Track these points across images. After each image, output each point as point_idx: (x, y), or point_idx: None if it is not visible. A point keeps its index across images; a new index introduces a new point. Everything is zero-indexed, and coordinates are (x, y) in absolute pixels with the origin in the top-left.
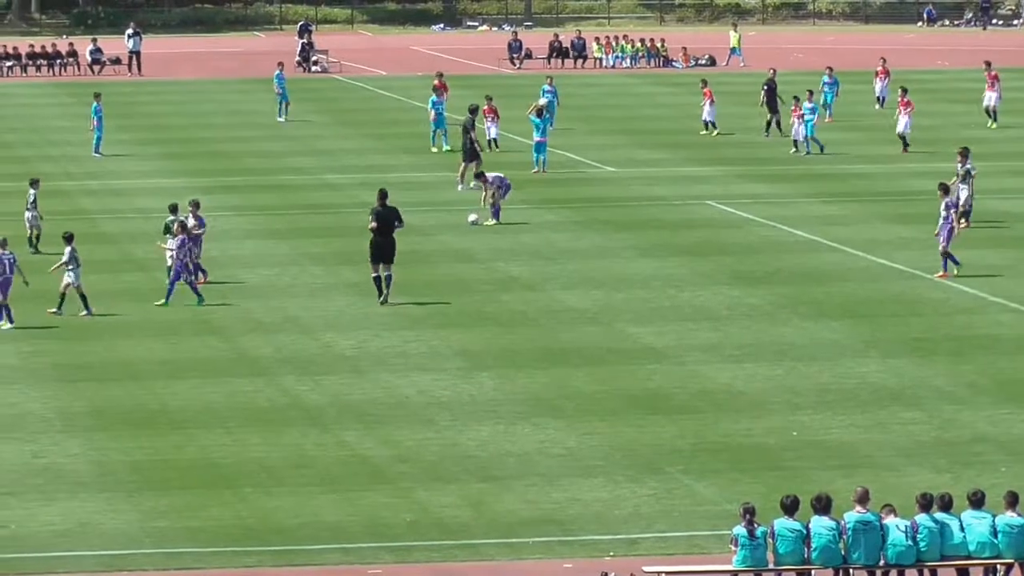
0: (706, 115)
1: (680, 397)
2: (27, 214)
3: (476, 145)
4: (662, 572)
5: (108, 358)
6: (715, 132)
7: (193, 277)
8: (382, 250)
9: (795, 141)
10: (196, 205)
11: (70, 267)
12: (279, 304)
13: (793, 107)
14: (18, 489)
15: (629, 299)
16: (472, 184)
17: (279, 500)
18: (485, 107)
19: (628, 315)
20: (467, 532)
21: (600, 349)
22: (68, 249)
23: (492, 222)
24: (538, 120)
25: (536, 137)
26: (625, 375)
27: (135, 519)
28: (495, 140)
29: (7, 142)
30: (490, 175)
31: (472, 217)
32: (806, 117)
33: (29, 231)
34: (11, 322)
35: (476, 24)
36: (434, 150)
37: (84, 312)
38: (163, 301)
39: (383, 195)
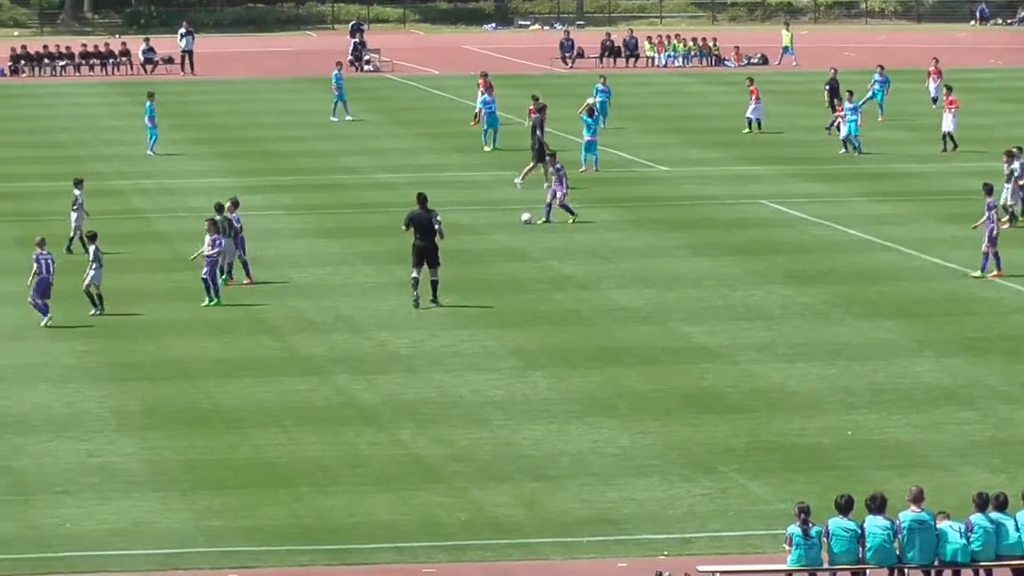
0: (750, 113)
1: (733, 396)
2: (72, 215)
3: (545, 145)
4: (716, 572)
5: (161, 357)
6: (758, 131)
7: (225, 277)
8: (423, 254)
9: (843, 141)
10: (235, 204)
11: (92, 266)
12: (331, 303)
13: (836, 108)
14: (73, 488)
15: (682, 298)
16: (519, 183)
17: (334, 499)
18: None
19: (681, 314)
20: (521, 531)
21: (653, 348)
22: (92, 248)
23: (542, 220)
24: (589, 119)
25: (586, 136)
26: (678, 374)
27: (189, 518)
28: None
29: (60, 142)
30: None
31: (525, 216)
32: (848, 117)
33: (72, 232)
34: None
35: (528, 23)
36: (487, 149)
37: (94, 311)
38: (210, 301)
39: (422, 199)
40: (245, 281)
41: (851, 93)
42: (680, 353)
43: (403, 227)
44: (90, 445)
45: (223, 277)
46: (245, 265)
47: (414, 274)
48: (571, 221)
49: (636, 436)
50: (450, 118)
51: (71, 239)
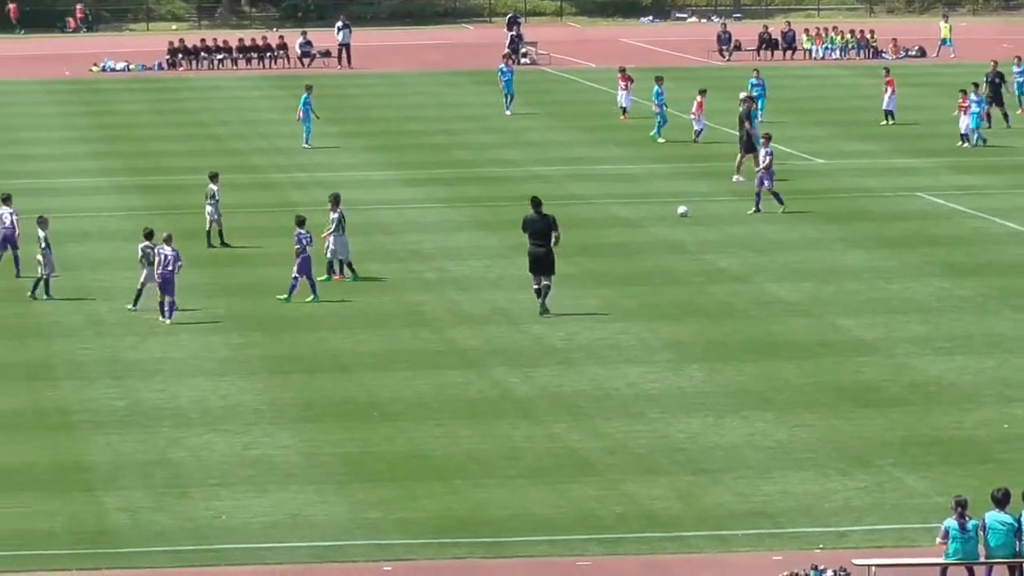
0: (887, 104)
1: (890, 390)
2: (208, 208)
3: (752, 136)
4: (872, 565)
5: (318, 350)
6: (891, 122)
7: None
8: (539, 261)
9: (963, 135)
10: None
11: (145, 263)
12: (488, 296)
13: (960, 99)
14: (230, 480)
15: (839, 291)
16: (738, 178)
17: (488, 492)
18: (698, 99)
19: (837, 307)
20: (677, 524)
21: (809, 341)
22: (142, 246)
23: (752, 211)
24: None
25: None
26: (835, 367)
27: (345, 510)
28: (701, 131)
29: (218, 135)
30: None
31: (682, 209)
32: (972, 110)
33: (208, 226)
34: (170, 316)
35: (685, 16)
36: (660, 140)
37: (131, 306)
38: (311, 297)
39: (536, 203)
40: (334, 278)
41: (976, 85)
42: (836, 346)
43: (522, 231)
44: (246, 438)
45: (324, 277)
46: (341, 265)
47: (535, 284)
48: (781, 211)
49: (792, 429)
50: (607, 111)
51: (215, 233)
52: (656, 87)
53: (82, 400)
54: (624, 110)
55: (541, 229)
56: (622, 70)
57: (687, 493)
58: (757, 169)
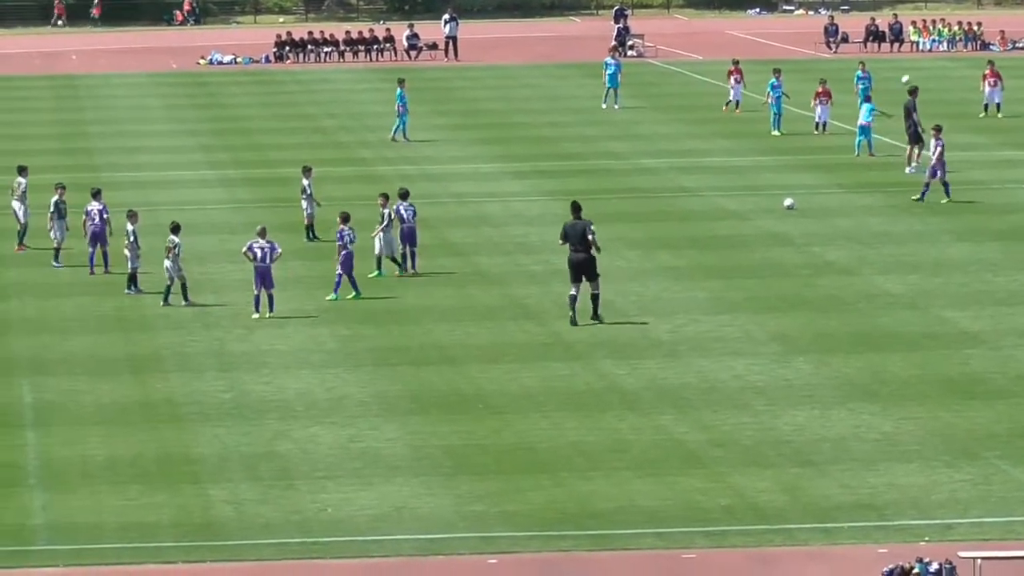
0: (989, 97)
1: (997, 382)
2: (303, 203)
3: (919, 128)
4: (978, 557)
5: (425, 342)
6: (995, 114)
7: (400, 271)
8: (580, 267)
9: None
10: (404, 195)
11: (169, 256)
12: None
13: None
14: (335, 473)
15: (945, 283)
16: (914, 166)
17: (595, 484)
18: (819, 89)
19: (944, 299)
20: (782, 517)
21: (916, 333)
22: (171, 239)
23: (916, 198)
24: (869, 105)
25: (863, 120)
26: (941, 360)
27: (451, 503)
28: (824, 124)
29: (324, 128)
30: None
31: (788, 201)
32: None
33: (306, 219)
34: (271, 308)
35: (792, 8)
36: (775, 134)
37: (163, 303)
38: (341, 294)
39: (575, 207)
40: (397, 274)
41: None
42: (943, 338)
43: (559, 241)
44: (352, 430)
45: (399, 271)
46: (412, 257)
47: (572, 291)
48: (944, 200)
49: (898, 422)
50: (713, 103)
51: (308, 227)
52: (773, 79)
53: (189, 392)
54: (736, 103)
55: (580, 234)
56: (735, 63)
57: (793, 485)
58: (931, 160)
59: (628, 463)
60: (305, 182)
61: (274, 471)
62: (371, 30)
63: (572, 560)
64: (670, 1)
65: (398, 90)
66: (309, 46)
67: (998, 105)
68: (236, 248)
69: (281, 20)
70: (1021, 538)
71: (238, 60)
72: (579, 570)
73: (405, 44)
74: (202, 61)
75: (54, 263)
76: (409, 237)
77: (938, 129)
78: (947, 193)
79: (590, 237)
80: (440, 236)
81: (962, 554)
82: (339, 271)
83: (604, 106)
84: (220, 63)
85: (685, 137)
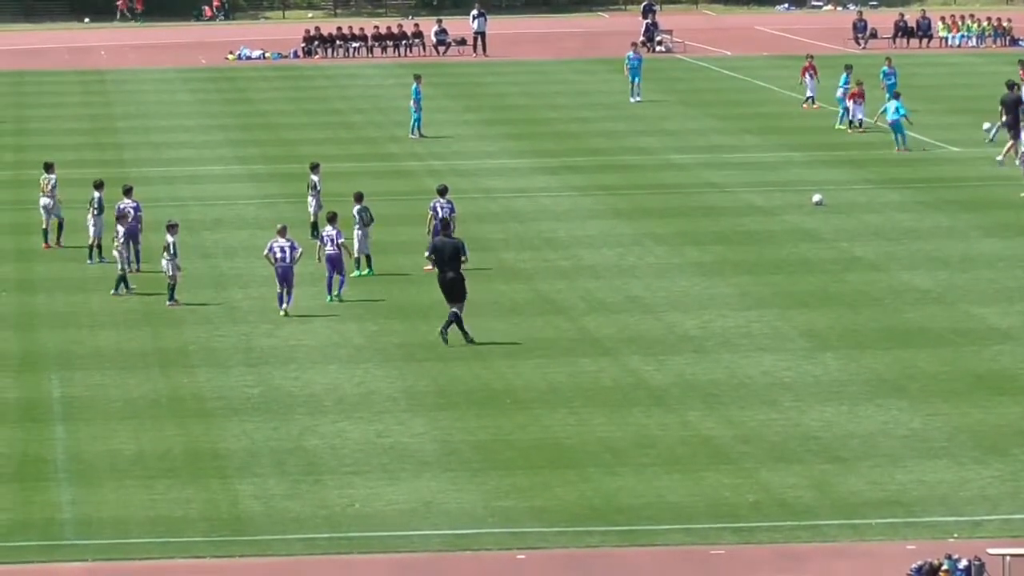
0: None
1: None
2: (310, 199)
3: (1020, 120)
4: (1007, 555)
5: (452, 338)
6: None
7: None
8: (450, 288)
9: None
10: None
11: (166, 257)
12: (622, 284)
13: None
14: (363, 468)
15: (974, 279)
16: (1002, 159)
17: (622, 480)
18: (854, 89)
19: (973, 295)
20: (810, 513)
21: (945, 329)
22: (169, 239)
23: None
24: (897, 102)
25: (893, 116)
26: (970, 356)
27: (479, 499)
28: (861, 121)
29: (353, 123)
30: None
31: (816, 197)
32: None
33: (313, 217)
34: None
35: (821, 3)
36: (840, 127)
37: (169, 303)
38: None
39: (445, 225)
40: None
41: None
42: (972, 334)
43: (426, 256)
44: (380, 425)
45: (366, 272)
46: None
47: (454, 308)
48: None
49: (927, 418)
50: (742, 99)
51: (313, 224)
52: (844, 75)
53: (217, 387)
54: (812, 99)
55: (451, 253)
56: (808, 58)
57: (821, 481)
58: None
59: (656, 459)
60: (314, 178)
61: (302, 466)
62: (399, 25)
63: (600, 556)
64: None
65: (414, 86)
66: (337, 41)
67: None
68: (264, 244)
69: (310, 15)
70: None
71: (267, 55)
72: (607, 566)
73: (433, 40)
74: (231, 56)
75: (89, 261)
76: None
77: None
78: None
79: (463, 258)
80: (468, 231)
81: (991, 551)
82: (327, 273)
83: (632, 100)
84: (248, 58)
85: (713, 132)
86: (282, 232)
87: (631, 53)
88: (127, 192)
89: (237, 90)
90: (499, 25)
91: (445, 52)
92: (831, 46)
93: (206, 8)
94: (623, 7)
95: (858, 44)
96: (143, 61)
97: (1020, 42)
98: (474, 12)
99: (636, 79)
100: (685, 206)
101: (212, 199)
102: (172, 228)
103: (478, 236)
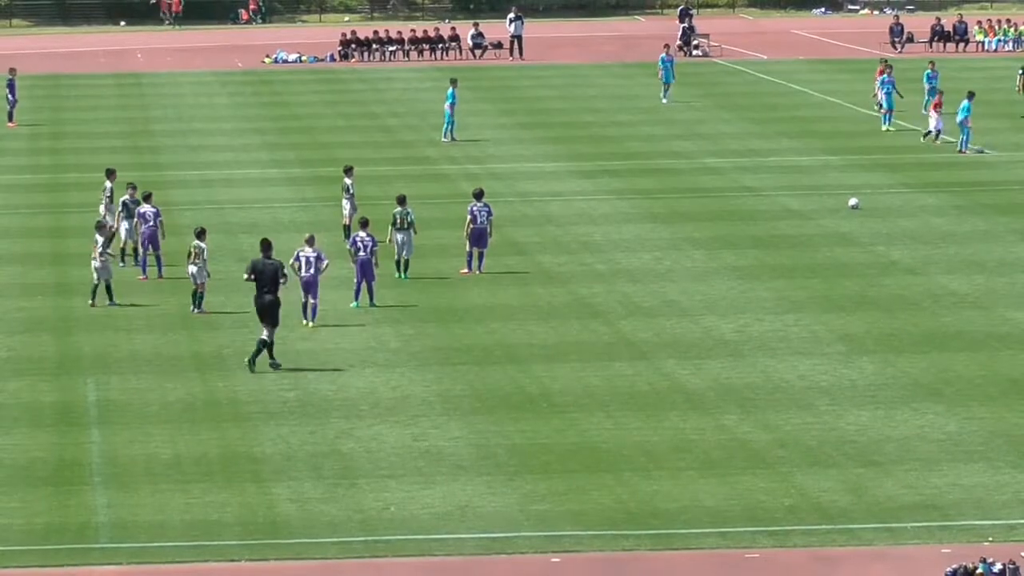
0: None
1: None
2: (344, 203)
3: None
4: None
5: (489, 341)
6: None
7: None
8: (269, 309)
9: None
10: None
11: (195, 262)
12: (659, 288)
13: None
14: (399, 472)
15: (1012, 283)
16: None
17: (658, 484)
18: (936, 100)
19: (1010, 299)
20: (846, 517)
21: (981, 333)
22: (196, 244)
23: None
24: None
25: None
26: (1007, 360)
27: (515, 502)
28: (938, 132)
29: (389, 126)
30: None
31: (853, 201)
32: None
33: (347, 220)
34: (312, 318)
35: (857, 7)
36: (887, 128)
37: (195, 309)
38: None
39: (265, 245)
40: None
41: None
42: (1009, 339)
43: (244, 276)
44: (416, 429)
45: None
46: (480, 258)
47: (265, 335)
48: None
49: (963, 422)
50: (778, 103)
51: (346, 227)
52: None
53: (253, 391)
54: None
55: (270, 274)
56: (883, 62)
57: (857, 485)
58: None
59: (691, 463)
60: (348, 181)
61: (338, 470)
62: (436, 29)
63: (636, 559)
64: (735, 0)
65: (450, 90)
66: (374, 45)
67: None
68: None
69: (346, 19)
70: None
71: (303, 59)
72: (643, 569)
73: (470, 43)
74: (267, 60)
75: (121, 264)
76: (478, 239)
77: None
78: None
79: (281, 281)
80: (505, 235)
81: None
82: (356, 278)
83: (664, 101)
84: (285, 62)
85: (749, 136)
86: (310, 242)
87: (664, 55)
88: (147, 198)
89: (273, 93)
90: (536, 29)
91: (482, 56)
92: (868, 50)
93: (243, 11)
94: (660, 11)
95: (895, 48)
96: (179, 64)
97: None
98: (511, 15)
99: (669, 80)
100: (722, 210)
101: (248, 202)
102: (201, 235)
103: (514, 240)
